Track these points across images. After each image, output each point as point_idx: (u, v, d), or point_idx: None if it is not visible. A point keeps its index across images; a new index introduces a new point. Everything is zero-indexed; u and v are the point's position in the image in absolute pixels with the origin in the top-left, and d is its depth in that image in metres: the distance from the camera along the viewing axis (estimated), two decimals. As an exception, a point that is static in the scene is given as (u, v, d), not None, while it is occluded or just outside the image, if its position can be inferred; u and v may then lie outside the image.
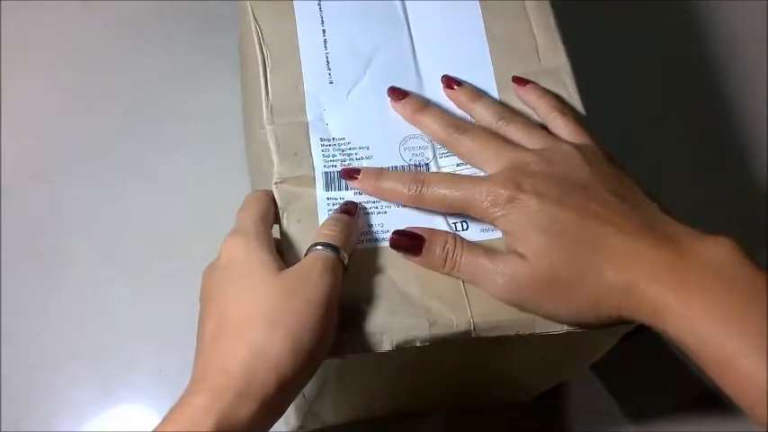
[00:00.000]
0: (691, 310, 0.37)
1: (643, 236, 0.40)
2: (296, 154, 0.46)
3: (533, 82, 0.49)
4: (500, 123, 0.46)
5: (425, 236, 0.43)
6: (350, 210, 0.44)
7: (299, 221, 0.44)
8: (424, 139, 0.47)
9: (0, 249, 0.64)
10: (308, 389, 0.46)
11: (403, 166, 0.46)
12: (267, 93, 0.48)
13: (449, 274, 0.43)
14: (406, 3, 0.51)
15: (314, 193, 0.45)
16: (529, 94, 0.48)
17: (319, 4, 0.51)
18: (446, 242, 0.43)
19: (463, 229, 0.45)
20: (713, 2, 0.80)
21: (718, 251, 0.39)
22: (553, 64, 0.50)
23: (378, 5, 0.51)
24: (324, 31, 0.50)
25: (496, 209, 0.42)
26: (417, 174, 0.46)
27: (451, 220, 0.45)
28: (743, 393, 0.37)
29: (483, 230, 0.45)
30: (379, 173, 0.45)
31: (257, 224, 0.42)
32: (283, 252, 0.44)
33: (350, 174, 0.45)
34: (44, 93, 0.71)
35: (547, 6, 0.52)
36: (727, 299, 0.37)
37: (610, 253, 0.40)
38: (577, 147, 0.44)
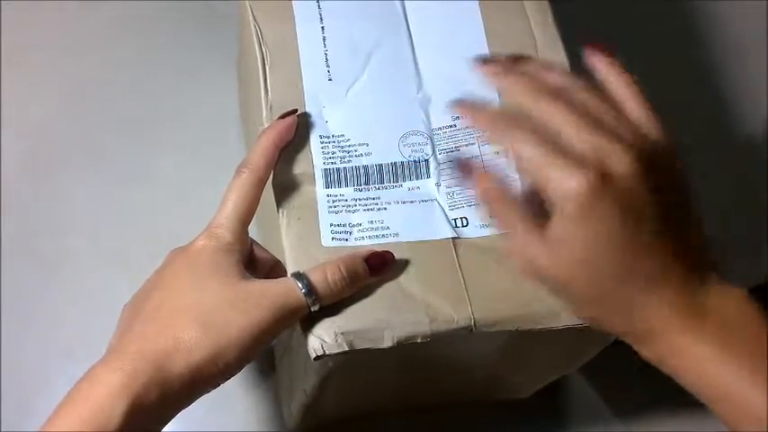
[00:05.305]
0: (703, 358, 0.37)
1: (681, 287, 0.38)
2: (295, 151, 0.46)
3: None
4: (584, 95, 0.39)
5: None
6: (379, 265, 0.42)
7: (299, 219, 0.44)
8: (423, 136, 0.47)
9: (0, 249, 0.64)
10: (309, 385, 0.46)
11: (402, 163, 0.46)
12: (267, 91, 0.48)
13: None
14: (405, 1, 0.52)
15: (314, 190, 0.45)
16: (606, 67, 0.42)
17: (318, 3, 0.51)
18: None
19: (463, 225, 0.45)
20: (713, 2, 0.80)
21: (731, 303, 0.38)
22: (551, 61, 0.50)
23: (376, 3, 0.51)
24: (323, 28, 0.50)
25: (571, 192, 0.36)
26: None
27: (452, 216, 0.45)
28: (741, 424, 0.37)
29: (482, 227, 0.45)
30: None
31: (233, 228, 0.42)
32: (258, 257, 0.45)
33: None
34: (44, 93, 0.70)
35: (545, 5, 0.52)
36: (738, 347, 0.37)
37: (641, 294, 0.38)
38: (669, 151, 0.39)
